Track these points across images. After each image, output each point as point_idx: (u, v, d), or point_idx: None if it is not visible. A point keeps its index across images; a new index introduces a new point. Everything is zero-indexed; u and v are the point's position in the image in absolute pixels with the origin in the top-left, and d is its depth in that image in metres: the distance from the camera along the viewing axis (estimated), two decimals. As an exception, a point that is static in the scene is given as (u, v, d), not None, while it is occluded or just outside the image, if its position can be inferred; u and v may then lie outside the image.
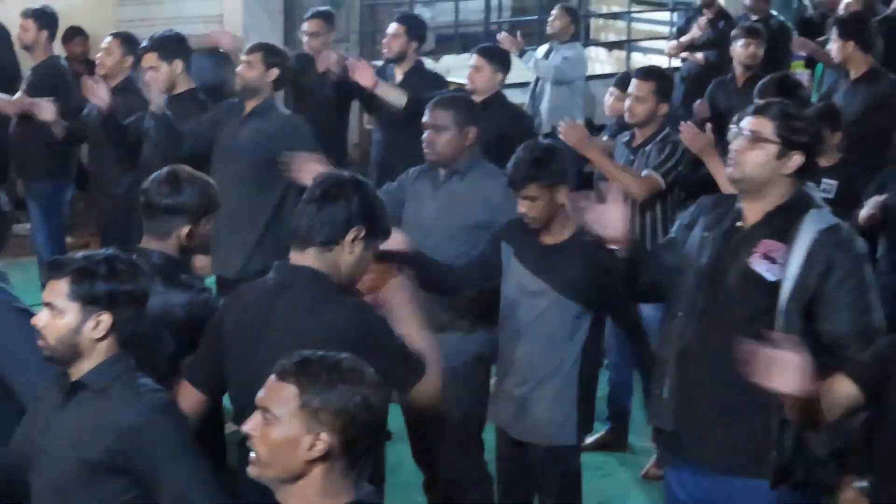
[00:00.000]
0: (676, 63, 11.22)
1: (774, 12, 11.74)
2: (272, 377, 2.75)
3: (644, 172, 6.28)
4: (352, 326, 3.52)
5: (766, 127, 4.01)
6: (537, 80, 9.79)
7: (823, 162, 6.27)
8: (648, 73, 6.64)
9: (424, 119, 5.45)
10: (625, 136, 6.65)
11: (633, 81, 6.51)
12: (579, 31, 11.73)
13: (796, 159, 4.00)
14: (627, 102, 6.48)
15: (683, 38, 10.86)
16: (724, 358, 3.93)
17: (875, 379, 3.65)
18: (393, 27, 7.82)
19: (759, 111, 4.08)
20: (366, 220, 3.64)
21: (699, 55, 10.63)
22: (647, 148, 6.39)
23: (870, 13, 9.85)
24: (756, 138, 4.01)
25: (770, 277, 3.97)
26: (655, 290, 4.36)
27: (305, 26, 8.45)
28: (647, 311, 5.39)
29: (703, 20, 10.74)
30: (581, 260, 4.81)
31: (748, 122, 4.05)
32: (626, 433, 6.70)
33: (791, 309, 3.94)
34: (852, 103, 7.56)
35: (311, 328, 3.51)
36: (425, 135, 5.41)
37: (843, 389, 3.62)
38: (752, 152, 4.01)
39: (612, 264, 4.36)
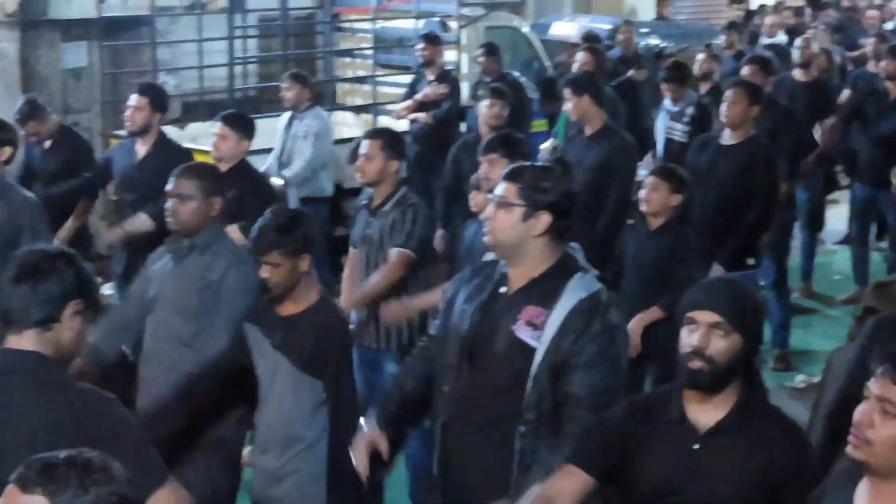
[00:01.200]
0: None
1: (516, 73, 12.11)
2: (12, 488, 2.44)
3: (391, 251, 6.32)
4: (82, 416, 3.30)
5: (511, 190, 4.04)
6: (283, 145, 9.78)
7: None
8: (376, 132, 6.76)
9: (168, 188, 5.39)
10: (363, 199, 6.70)
11: (363, 141, 6.59)
12: (321, 95, 11.81)
13: (544, 219, 4.01)
14: (358, 162, 6.54)
15: (411, 100, 11.01)
16: (486, 425, 4.00)
17: (605, 455, 3.68)
18: (134, 99, 7.70)
19: (506, 176, 4.11)
20: (82, 292, 3.47)
21: (427, 115, 10.82)
22: (386, 209, 6.42)
23: (601, 73, 10.24)
24: (502, 203, 4.05)
25: (534, 344, 3.97)
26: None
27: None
28: None
29: (440, 85, 10.95)
30: (317, 332, 4.82)
31: (498, 188, 4.10)
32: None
33: (542, 374, 3.95)
34: (588, 158, 7.83)
35: (39, 419, 3.28)
36: (169, 204, 5.35)
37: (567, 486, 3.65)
38: (500, 217, 4.04)
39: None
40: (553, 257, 4.06)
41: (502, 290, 4.10)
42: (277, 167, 9.72)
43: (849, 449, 3.00)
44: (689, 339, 3.52)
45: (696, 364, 3.50)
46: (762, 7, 18.00)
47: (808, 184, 10.22)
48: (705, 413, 3.56)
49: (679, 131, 9.49)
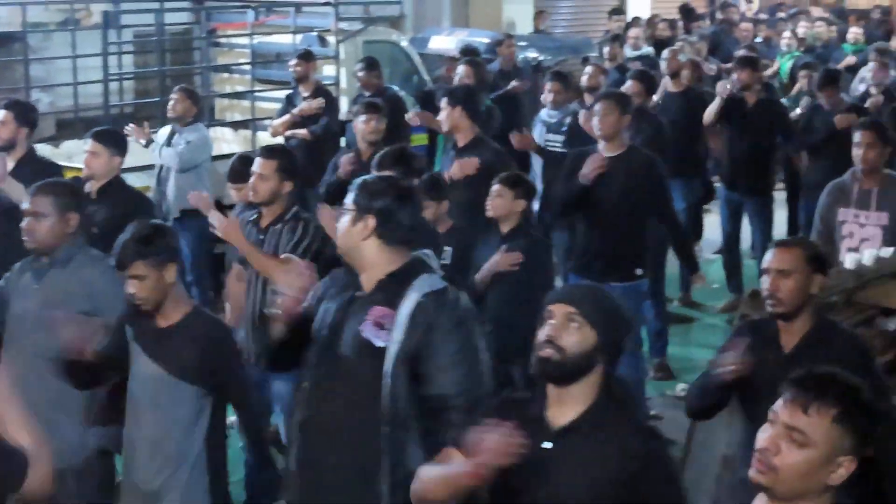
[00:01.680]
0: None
1: (396, 87, 12.10)
2: None
3: (282, 257, 6.25)
4: None
5: (350, 198, 4.28)
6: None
7: (442, 228, 6.55)
8: (272, 151, 6.67)
9: (24, 206, 5.31)
10: (251, 215, 6.62)
11: (257, 160, 6.50)
12: (203, 111, 11.68)
13: (370, 222, 4.20)
14: (251, 181, 6.47)
15: (287, 116, 10.93)
16: (341, 425, 4.11)
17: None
18: (0, 114, 7.54)
19: (354, 187, 4.32)
20: None
21: (305, 131, 10.76)
22: (278, 226, 6.38)
23: (482, 86, 10.26)
24: (344, 211, 4.27)
25: (378, 343, 4.09)
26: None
27: None
28: None
29: (317, 101, 10.88)
30: (196, 341, 4.77)
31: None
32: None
33: (398, 373, 4.07)
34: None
35: None
36: (24, 223, 5.26)
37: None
38: (342, 223, 4.28)
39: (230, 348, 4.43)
40: (397, 261, 4.23)
41: (358, 293, 4.25)
42: (157, 181, 9.61)
43: (752, 472, 3.02)
44: (543, 330, 3.58)
45: (546, 352, 3.53)
46: (636, 19, 18.22)
47: (685, 193, 10.36)
48: (562, 412, 3.57)
49: (558, 143, 9.52)
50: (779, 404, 3.04)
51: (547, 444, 3.52)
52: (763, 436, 3.02)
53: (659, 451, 3.57)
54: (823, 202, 7.44)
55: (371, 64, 11.32)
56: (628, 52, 14.77)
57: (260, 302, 6.35)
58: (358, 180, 4.35)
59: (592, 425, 3.52)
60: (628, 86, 9.26)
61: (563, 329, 3.52)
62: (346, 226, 4.23)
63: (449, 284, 4.23)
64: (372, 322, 4.14)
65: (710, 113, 10.35)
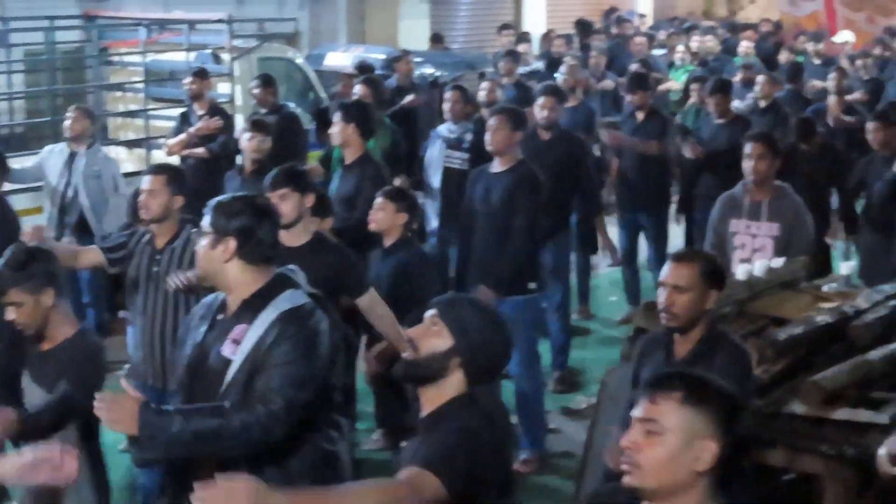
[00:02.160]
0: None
1: (292, 104, 12.03)
2: None
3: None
4: None
5: (205, 222, 4.29)
6: (68, 180, 9.51)
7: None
8: (160, 167, 6.73)
9: None
10: (145, 236, 6.54)
11: (146, 178, 6.48)
12: (97, 130, 11.51)
13: (231, 244, 4.21)
14: (141, 198, 6.42)
15: (182, 136, 10.83)
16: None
17: None
18: None
19: (209, 209, 4.33)
20: None
21: (202, 150, 10.67)
22: (175, 245, 6.35)
23: (379, 104, 10.24)
24: (202, 233, 4.29)
25: (232, 357, 4.12)
26: None
27: None
28: None
29: (213, 119, 10.79)
30: (71, 364, 4.77)
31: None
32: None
33: (237, 379, 4.09)
34: (343, 188, 7.84)
35: None
36: None
37: None
38: (200, 246, 4.30)
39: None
40: (261, 280, 4.24)
41: (220, 317, 4.26)
42: (60, 203, 9.45)
43: (624, 478, 3.02)
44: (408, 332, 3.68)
45: (407, 354, 3.62)
46: (524, 34, 18.38)
47: (580, 207, 10.44)
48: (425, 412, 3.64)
49: (458, 159, 9.47)
50: (636, 405, 3.08)
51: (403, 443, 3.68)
52: (625, 438, 3.04)
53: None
54: (715, 214, 7.53)
55: (266, 81, 11.25)
56: (521, 68, 14.86)
57: (160, 326, 6.30)
58: (212, 202, 4.34)
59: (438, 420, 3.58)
60: (540, 101, 9.29)
61: (424, 332, 3.61)
62: (205, 249, 4.23)
63: (311, 300, 4.24)
64: (231, 340, 4.15)
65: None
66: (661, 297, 4.85)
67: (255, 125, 8.61)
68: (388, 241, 7.07)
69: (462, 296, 3.91)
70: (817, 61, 16.42)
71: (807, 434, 5.25)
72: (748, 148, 7.37)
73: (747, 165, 7.34)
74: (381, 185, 7.69)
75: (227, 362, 4.12)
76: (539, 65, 15.44)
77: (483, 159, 8.38)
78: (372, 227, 7.04)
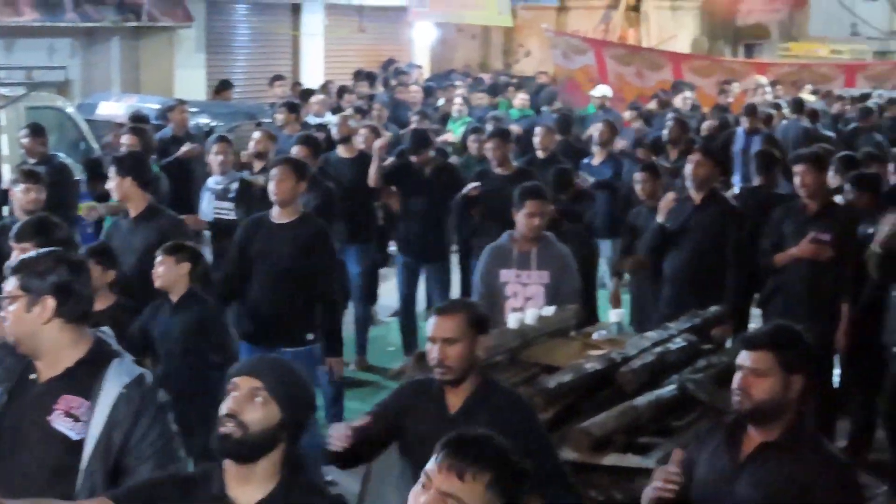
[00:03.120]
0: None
1: (62, 154, 11.72)
2: None
3: None
4: None
5: (13, 284, 3.99)
6: None
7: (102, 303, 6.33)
8: None
9: None
10: None
11: None
12: None
13: (49, 303, 3.96)
14: None
15: None
16: None
17: None
18: None
19: (10, 270, 4.05)
20: None
21: None
22: None
23: (148, 153, 10.04)
24: (8, 298, 3.99)
25: (74, 436, 3.86)
26: None
27: None
28: None
29: None
30: None
31: (6, 284, 4.03)
32: None
33: (95, 468, 3.85)
34: (133, 242, 7.61)
35: None
36: None
37: None
38: (10, 312, 3.97)
39: None
40: (84, 342, 4.01)
41: (32, 376, 3.98)
42: None
43: None
44: (225, 403, 3.45)
45: (227, 428, 3.41)
46: (324, 86, 18.43)
47: (359, 258, 10.44)
48: (244, 491, 3.45)
49: (226, 210, 9.41)
50: (432, 468, 3.03)
51: None
52: (418, 501, 2.99)
53: None
54: (483, 265, 7.61)
55: (36, 130, 10.92)
56: (311, 119, 14.83)
57: None
58: (15, 262, 4.09)
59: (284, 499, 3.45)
60: (295, 150, 9.25)
61: (246, 403, 3.41)
62: (18, 314, 3.93)
63: (144, 371, 4.06)
64: (63, 412, 3.89)
65: (371, 174, 10.45)
66: (434, 352, 4.81)
67: (28, 175, 8.29)
68: (175, 297, 6.79)
69: (275, 359, 3.66)
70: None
71: (577, 480, 5.30)
72: (527, 206, 7.43)
73: (526, 222, 7.42)
74: (181, 231, 7.65)
75: (60, 436, 3.87)
76: (330, 117, 15.46)
77: (250, 207, 8.28)
78: (157, 283, 6.79)
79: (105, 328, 4.20)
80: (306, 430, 3.63)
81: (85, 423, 3.86)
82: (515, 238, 7.49)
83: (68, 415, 3.88)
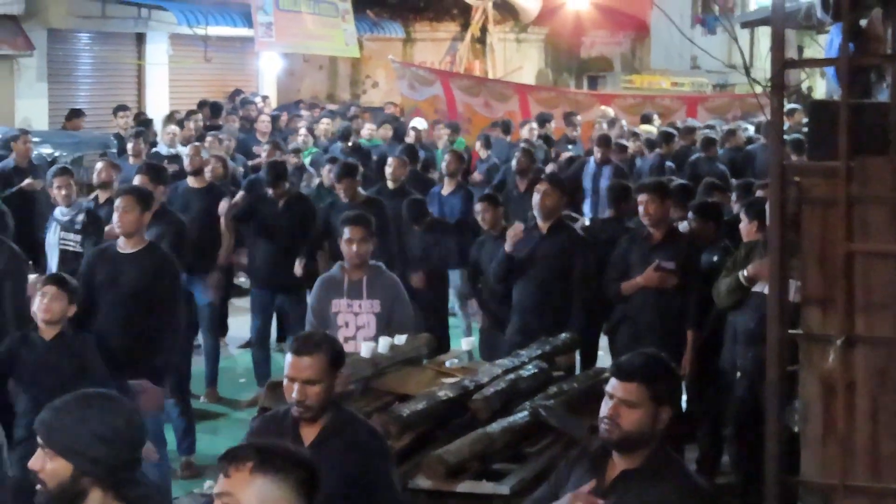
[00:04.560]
0: None
1: None
2: None
3: None
4: None
5: None
6: None
7: None
8: None
9: None
10: None
11: None
12: None
13: None
14: None
15: None
16: None
17: None
18: None
19: None
20: None
21: None
22: None
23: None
24: None
25: None
26: None
27: None
28: None
29: None
30: None
31: None
32: None
33: None
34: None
35: None
36: None
37: None
38: None
39: None
40: None
41: None
42: None
43: None
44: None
45: (40, 487, 3.48)
46: (171, 115, 18.25)
47: (206, 290, 10.34)
48: None
49: (73, 241, 9.25)
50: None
51: None
52: None
53: None
54: (314, 295, 7.61)
55: None
56: (163, 149, 14.66)
57: None
58: None
59: None
60: (137, 179, 9.13)
61: (41, 464, 3.45)
62: None
63: None
64: None
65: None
66: (293, 391, 4.76)
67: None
68: (50, 334, 6.79)
69: (61, 408, 3.54)
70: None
71: (432, 508, 5.34)
72: (347, 232, 7.45)
73: (347, 249, 7.44)
74: (19, 266, 7.56)
75: None
76: (182, 148, 15.29)
77: (97, 237, 8.17)
78: (43, 317, 6.73)
79: None
80: (133, 466, 3.59)
81: None
82: (346, 268, 7.52)
83: None
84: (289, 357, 4.82)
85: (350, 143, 16.53)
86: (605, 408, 4.25)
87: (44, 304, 6.70)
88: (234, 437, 9.15)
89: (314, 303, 7.57)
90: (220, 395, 10.71)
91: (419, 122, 18.66)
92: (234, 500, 2.98)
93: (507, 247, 8.52)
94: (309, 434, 4.81)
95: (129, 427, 3.54)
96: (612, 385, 4.26)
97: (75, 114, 17.57)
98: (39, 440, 3.44)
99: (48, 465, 3.41)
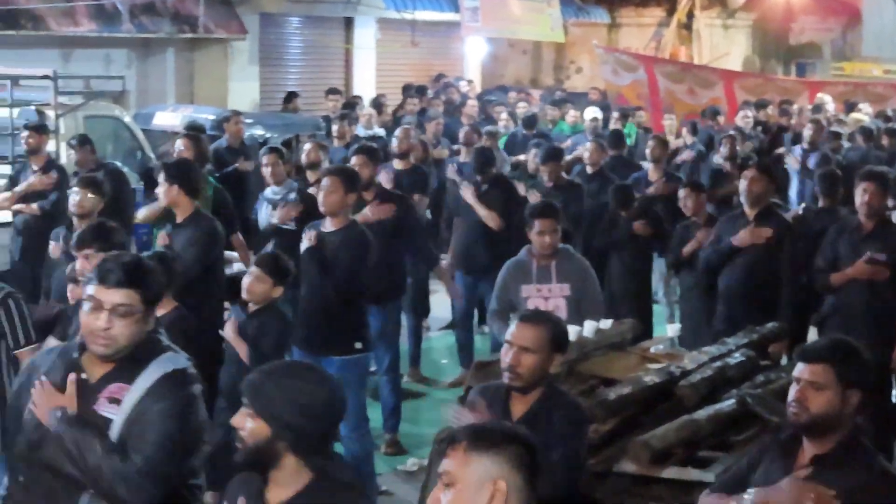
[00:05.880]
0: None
1: (118, 162, 11.85)
2: None
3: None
4: None
5: (133, 298, 4.05)
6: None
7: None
8: None
9: None
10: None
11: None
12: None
13: (154, 313, 4.14)
14: None
15: (17, 189, 10.63)
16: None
17: None
18: None
19: (118, 283, 4.04)
20: None
21: (34, 206, 10.44)
22: None
23: (202, 161, 10.11)
24: (123, 313, 4.03)
25: (113, 416, 3.99)
26: None
27: None
28: None
29: (47, 175, 10.61)
30: None
31: (108, 297, 4.03)
32: None
33: (123, 439, 3.98)
34: (176, 244, 7.71)
35: None
36: None
37: None
38: (123, 324, 4.02)
39: None
40: (138, 340, 4.09)
41: (83, 376, 4.07)
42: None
43: None
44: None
45: (239, 443, 3.61)
46: (375, 100, 18.54)
47: (412, 271, 10.46)
48: (277, 493, 3.60)
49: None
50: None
51: None
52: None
53: None
54: (501, 281, 7.63)
55: (83, 140, 11.10)
56: (361, 130, 14.92)
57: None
58: (131, 274, 4.06)
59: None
60: (354, 161, 9.29)
61: (242, 423, 3.58)
62: (138, 326, 4.02)
63: (189, 364, 4.16)
64: (106, 398, 4.02)
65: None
66: (507, 356, 4.84)
67: (84, 182, 8.42)
68: (254, 306, 6.94)
69: (269, 374, 3.65)
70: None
71: (636, 493, 5.31)
72: (536, 225, 7.47)
73: (538, 241, 7.46)
74: (215, 239, 7.70)
75: (103, 420, 4.00)
76: (378, 130, 15.52)
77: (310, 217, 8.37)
78: (245, 296, 6.91)
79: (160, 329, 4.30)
80: (329, 439, 3.71)
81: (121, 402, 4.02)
82: (534, 252, 7.52)
83: (111, 400, 4.02)
84: (513, 323, 4.91)
85: (534, 130, 16.49)
86: (793, 392, 4.24)
87: (246, 284, 6.89)
88: (436, 417, 9.27)
89: (501, 288, 7.60)
90: (423, 375, 10.84)
91: (595, 113, 18.40)
92: (452, 478, 3.07)
93: (737, 240, 8.31)
94: (519, 409, 4.85)
95: (330, 401, 3.62)
96: (799, 368, 4.26)
97: (292, 96, 18.00)
98: (244, 399, 3.58)
99: (248, 425, 3.54)
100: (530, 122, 17.02)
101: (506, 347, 4.86)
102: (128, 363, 4.05)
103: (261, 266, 6.92)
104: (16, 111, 12.19)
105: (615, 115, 17.69)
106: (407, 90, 19.97)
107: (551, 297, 7.42)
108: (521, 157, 14.09)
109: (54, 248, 8.20)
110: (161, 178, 7.91)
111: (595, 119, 16.45)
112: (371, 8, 21.72)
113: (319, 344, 7.48)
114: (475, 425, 3.21)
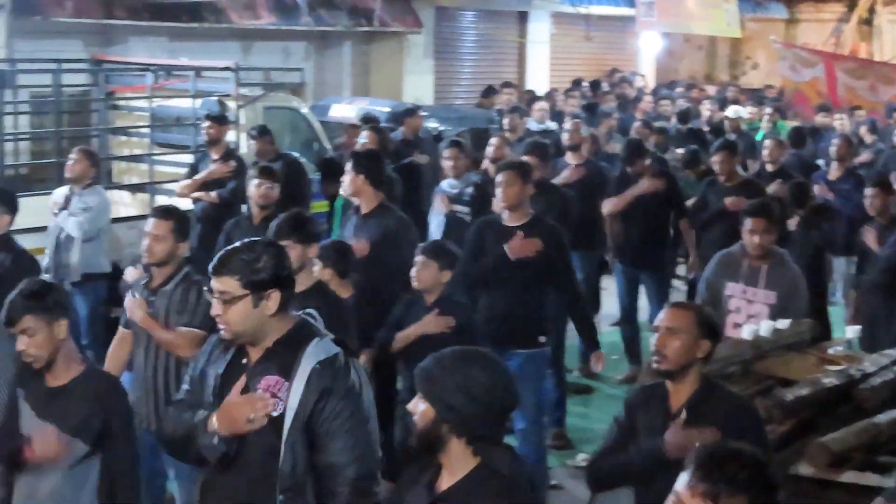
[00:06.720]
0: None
1: (296, 153, 12.05)
2: None
3: (181, 331, 6.19)
4: None
5: (231, 284, 4.09)
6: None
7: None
8: (167, 212, 6.56)
9: None
10: (144, 279, 6.53)
11: (151, 220, 6.42)
12: (101, 173, 11.51)
13: (274, 297, 4.10)
14: (145, 242, 6.37)
15: (198, 177, 10.89)
16: (238, 492, 4.07)
17: None
18: None
19: (216, 271, 4.12)
20: None
21: (213, 194, 10.68)
22: (168, 287, 6.31)
23: (384, 153, 10.24)
24: (228, 300, 4.08)
25: (274, 413, 4.02)
26: None
27: None
28: None
29: (226, 164, 10.84)
30: (89, 399, 4.71)
31: (214, 285, 4.11)
32: None
33: (295, 440, 4.01)
34: (362, 235, 7.78)
35: None
36: None
37: None
38: (230, 311, 4.08)
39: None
40: (286, 323, 4.14)
41: (244, 361, 4.15)
42: (55, 242, 9.46)
43: None
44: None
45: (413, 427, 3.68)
46: (549, 93, 18.52)
47: (583, 265, 10.42)
48: (446, 478, 3.64)
49: (463, 213, 9.54)
50: (684, 490, 3.01)
51: None
52: None
53: None
54: (711, 271, 7.52)
55: (262, 131, 11.28)
56: (533, 125, 14.91)
57: (160, 369, 6.26)
58: (226, 260, 4.13)
59: (466, 494, 3.58)
60: (525, 158, 9.29)
61: (414, 408, 3.63)
62: (245, 310, 4.05)
63: (341, 350, 4.17)
64: (264, 391, 4.06)
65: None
66: (655, 340, 4.81)
67: (263, 172, 8.60)
68: (430, 299, 6.96)
69: (439, 359, 3.67)
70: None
71: (813, 496, 5.21)
72: (748, 223, 7.35)
73: (747, 239, 7.34)
74: (408, 229, 7.80)
75: (270, 417, 4.04)
76: (552, 124, 15.51)
77: (483, 211, 8.37)
78: (415, 285, 6.95)
79: (311, 310, 4.34)
80: (497, 427, 3.69)
81: (283, 400, 4.03)
82: (746, 251, 7.39)
83: (270, 394, 4.05)
84: (662, 311, 4.89)
85: (688, 126, 16.27)
86: None
87: (413, 273, 6.94)
88: (605, 412, 9.24)
89: (710, 276, 7.51)
90: (593, 371, 10.78)
91: (736, 111, 18.02)
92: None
93: None
94: (677, 399, 4.77)
95: (494, 386, 3.62)
96: None
97: (490, 91, 18.05)
98: (416, 384, 3.64)
99: (419, 408, 3.59)
100: (684, 116, 16.82)
101: (655, 334, 4.81)
102: (280, 348, 4.10)
103: (425, 253, 6.96)
104: (198, 102, 12.50)
105: (767, 111, 17.34)
106: (575, 85, 19.89)
107: (755, 301, 7.29)
108: (679, 151, 13.98)
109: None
110: (348, 166, 8.00)
111: (738, 118, 16.21)
112: (546, 2, 21.73)
113: (504, 337, 7.45)
114: (757, 473, 3.07)
